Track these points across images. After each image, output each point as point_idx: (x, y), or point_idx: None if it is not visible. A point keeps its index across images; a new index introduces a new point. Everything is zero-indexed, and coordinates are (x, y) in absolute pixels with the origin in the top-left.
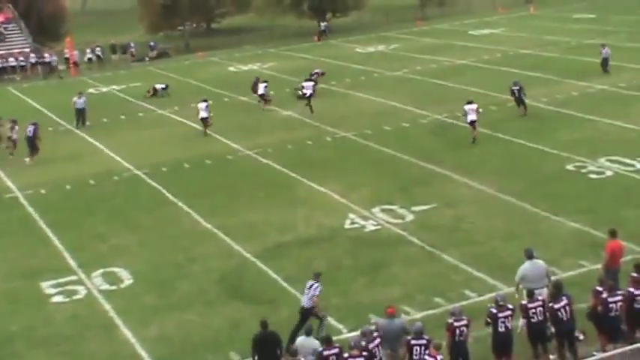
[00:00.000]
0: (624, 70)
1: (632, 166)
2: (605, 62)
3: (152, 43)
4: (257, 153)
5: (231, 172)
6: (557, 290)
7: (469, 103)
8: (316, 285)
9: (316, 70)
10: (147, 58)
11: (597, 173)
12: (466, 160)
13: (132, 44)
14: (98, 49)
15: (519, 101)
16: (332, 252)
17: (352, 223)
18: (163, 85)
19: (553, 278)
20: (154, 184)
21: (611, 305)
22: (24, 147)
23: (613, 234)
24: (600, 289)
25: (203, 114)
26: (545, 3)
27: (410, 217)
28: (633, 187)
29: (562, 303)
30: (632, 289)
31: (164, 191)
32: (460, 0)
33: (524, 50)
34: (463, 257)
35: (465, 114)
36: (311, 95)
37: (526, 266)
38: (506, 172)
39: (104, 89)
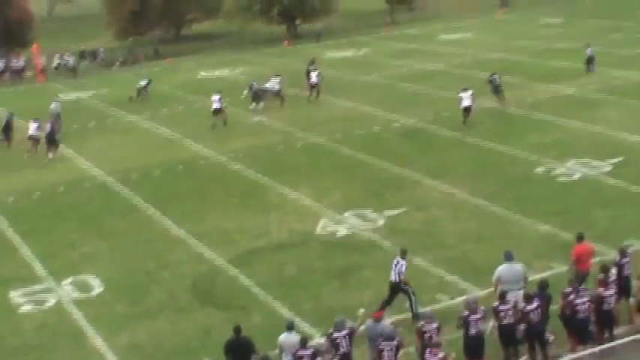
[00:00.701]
0: (592, 73)
1: (601, 168)
2: (590, 61)
3: (120, 58)
4: (228, 158)
5: (202, 178)
6: (539, 289)
7: (464, 90)
8: (403, 262)
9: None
10: (116, 64)
11: (567, 176)
12: (437, 163)
13: (101, 50)
14: (67, 55)
15: (496, 91)
16: (304, 257)
17: (324, 227)
18: (146, 81)
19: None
20: (125, 190)
21: (578, 307)
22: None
23: (580, 238)
24: (569, 290)
25: (216, 105)
26: (514, 7)
27: (381, 221)
28: (602, 189)
29: (534, 305)
30: (600, 290)
31: (135, 197)
32: (429, 5)
33: (493, 54)
34: (435, 261)
35: (460, 100)
36: (279, 91)
37: (503, 268)
38: (476, 176)
39: (73, 95)
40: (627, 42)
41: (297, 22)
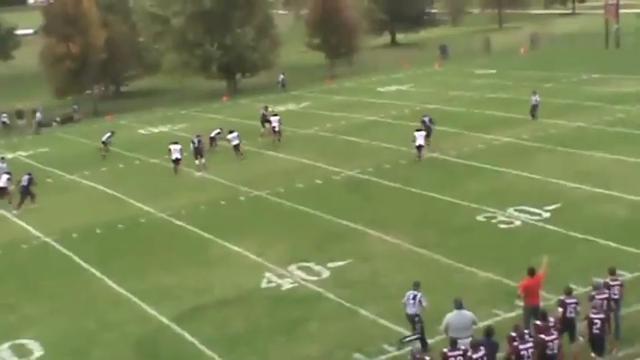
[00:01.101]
0: (527, 122)
1: (539, 215)
2: (534, 109)
3: (75, 106)
4: (170, 215)
5: (144, 236)
6: (485, 336)
7: (418, 130)
8: (420, 294)
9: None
10: (54, 123)
11: (507, 223)
12: (380, 214)
13: (39, 109)
14: (4, 115)
15: (428, 130)
16: (249, 312)
17: (269, 282)
18: (108, 134)
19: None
20: (65, 250)
21: (522, 352)
22: None
23: (531, 272)
24: (514, 334)
25: (177, 155)
26: (450, 60)
27: (326, 273)
28: (541, 236)
29: (480, 353)
30: (542, 336)
31: (75, 258)
32: (367, 58)
33: (430, 105)
34: (380, 312)
35: (414, 139)
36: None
37: (452, 315)
38: (419, 225)
39: (10, 156)
40: (560, 92)
41: (237, 77)
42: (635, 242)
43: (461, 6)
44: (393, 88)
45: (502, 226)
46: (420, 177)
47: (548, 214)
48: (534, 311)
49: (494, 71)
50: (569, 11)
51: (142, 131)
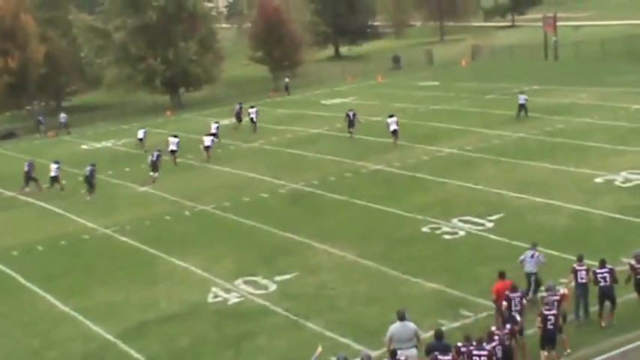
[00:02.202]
0: (469, 133)
1: (483, 225)
2: (521, 108)
3: (40, 117)
4: (114, 231)
5: (87, 252)
6: (436, 339)
7: (390, 116)
8: (538, 253)
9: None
10: None
11: (451, 234)
12: (325, 227)
13: None
14: None
15: (350, 124)
16: (196, 327)
17: (215, 296)
18: (56, 166)
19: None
20: (5, 269)
21: (474, 358)
22: None
23: (501, 275)
24: (460, 344)
25: (173, 147)
26: (391, 73)
27: (273, 287)
28: (485, 246)
29: (447, 357)
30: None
31: (16, 276)
32: (311, 71)
33: (374, 118)
34: (327, 324)
35: (388, 125)
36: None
37: (395, 326)
38: (364, 237)
39: None
40: (501, 103)
41: (181, 91)
42: (575, 250)
43: (403, 19)
44: (338, 100)
45: (446, 236)
46: (365, 189)
47: (491, 224)
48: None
49: (437, 83)
50: (509, 24)
51: (84, 146)
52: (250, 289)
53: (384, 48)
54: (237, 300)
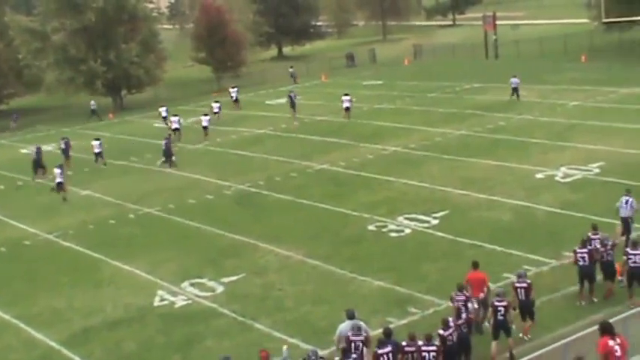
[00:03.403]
0: (413, 131)
1: (428, 222)
2: (514, 91)
3: (15, 115)
4: (57, 236)
5: (29, 258)
6: (385, 337)
7: (345, 95)
8: (632, 199)
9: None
10: None
11: (397, 232)
12: (272, 227)
13: None
14: None
15: (292, 105)
16: (142, 332)
17: (162, 300)
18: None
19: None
20: None
21: (424, 354)
22: None
23: (475, 265)
24: (404, 343)
25: (96, 150)
26: (336, 73)
27: (220, 288)
28: (430, 243)
29: (386, 349)
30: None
31: None
32: (255, 71)
33: (319, 117)
34: (275, 325)
35: (342, 102)
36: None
37: (344, 325)
38: (311, 237)
39: None
40: (443, 101)
41: (123, 93)
42: (518, 245)
43: (346, 18)
44: (282, 100)
45: (393, 234)
46: (311, 189)
47: (436, 221)
48: (479, 302)
49: (380, 82)
50: (450, 22)
51: (24, 150)
52: (197, 292)
53: (327, 48)
54: (184, 303)
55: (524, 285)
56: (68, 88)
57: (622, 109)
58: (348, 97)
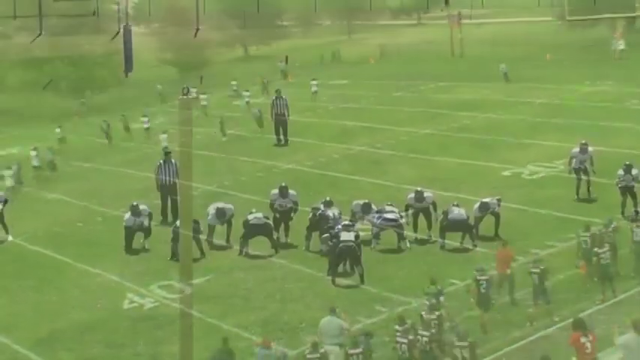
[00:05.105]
0: (379, 130)
1: (395, 221)
2: (505, 76)
3: None
4: (23, 240)
5: None
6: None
7: (313, 80)
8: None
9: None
10: None
11: (364, 231)
12: (237, 227)
13: None
14: None
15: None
16: (111, 335)
17: (130, 302)
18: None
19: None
20: None
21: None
22: None
23: (504, 244)
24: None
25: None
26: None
27: (188, 289)
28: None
29: (357, 350)
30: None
31: None
32: (218, 71)
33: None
34: (243, 324)
35: (310, 87)
36: None
37: (324, 320)
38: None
39: None
40: (409, 100)
41: (87, 94)
42: (486, 243)
43: (311, 18)
44: (250, 100)
45: (360, 233)
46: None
47: (403, 220)
48: (504, 278)
49: (345, 82)
50: (415, 22)
51: None
52: (165, 294)
53: (292, 47)
54: (153, 305)
55: (486, 277)
56: (31, 89)
57: (586, 107)
58: (315, 82)
